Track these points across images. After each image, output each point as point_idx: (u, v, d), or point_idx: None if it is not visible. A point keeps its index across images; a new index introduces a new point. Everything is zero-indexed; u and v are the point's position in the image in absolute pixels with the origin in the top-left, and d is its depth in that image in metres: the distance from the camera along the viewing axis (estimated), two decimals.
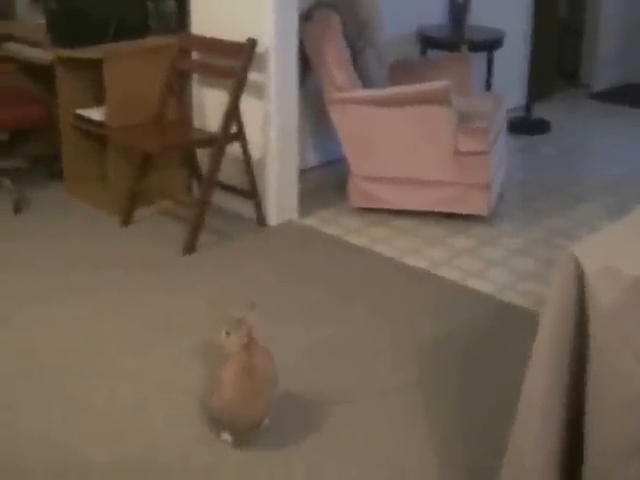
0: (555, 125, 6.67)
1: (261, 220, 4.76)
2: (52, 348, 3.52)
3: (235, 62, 4.45)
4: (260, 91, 4.60)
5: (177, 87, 4.85)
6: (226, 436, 2.89)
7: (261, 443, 2.88)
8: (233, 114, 4.46)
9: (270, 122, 4.63)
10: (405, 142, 4.69)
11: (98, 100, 5.03)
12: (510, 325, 3.74)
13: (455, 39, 6.20)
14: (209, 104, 4.93)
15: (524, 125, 6.65)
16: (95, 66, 4.75)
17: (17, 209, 4.97)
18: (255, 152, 4.70)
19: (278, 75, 4.56)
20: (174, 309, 3.84)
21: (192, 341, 3.56)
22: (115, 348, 3.52)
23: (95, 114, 4.92)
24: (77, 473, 2.72)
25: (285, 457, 2.82)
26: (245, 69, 4.42)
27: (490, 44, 6.27)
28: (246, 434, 2.89)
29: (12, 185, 5.08)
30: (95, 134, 5.01)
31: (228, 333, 2.86)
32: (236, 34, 4.49)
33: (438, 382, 3.27)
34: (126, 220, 4.78)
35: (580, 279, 2.03)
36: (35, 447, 2.85)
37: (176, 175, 5.14)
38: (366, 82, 5.05)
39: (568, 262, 2.06)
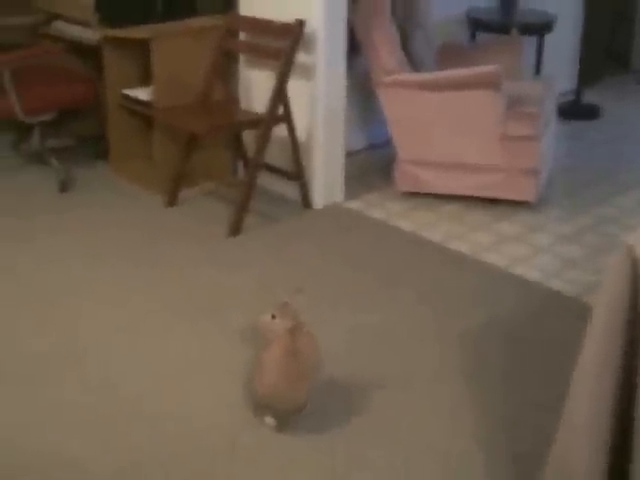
0: (605, 111, 6.58)
1: (306, 202, 4.75)
2: (95, 324, 3.53)
3: (283, 43, 4.42)
4: (307, 73, 4.58)
5: (224, 68, 4.84)
6: (269, 420, 2.88)
7: (304, 427, 2.88)
8: (280, 96, 4.43)
9: (317, 104, 4.60)
10: (453, 126, 4.65)
11: (145, 80, 5.04)
12: (556, 312, 3.69)
13: (505, 22, 6.13)
14: (256, 85, 4.91)
15: (573, 110, 6.57)
16: (142, 46, 4.76)
17: (63, 188, 5.00)
18: (302, 134, 4.68)
19: (326, 57, 4.52)
20: (219, 289, 3.84)
21: (236, 321, 3.56)
22: (159, 326, 3.53)
23: (142, 94, 4.93)
24: (123, 454, 2.73)
25: (328, 442, 2.81)
26: (293, 50, 4.39)
27: (541, 27, 6.19)
28: (289, 418, 2.88)
29: (59, 164, 5.10)
30: (141, 114, 5.02)
31: (274, 316, 2.85)
32: (284, 15, 4.46)
33: (483, 369, 3.24)
34: (171, 201, 4.79)
35: (635, 267, 2.00)
36: (81, 428, 2.86)
37: (222, 156, 5.14)
38: (415, 65, 5.00)
39: (623, 251, 2.02)
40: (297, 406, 2.86)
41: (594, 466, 2.12)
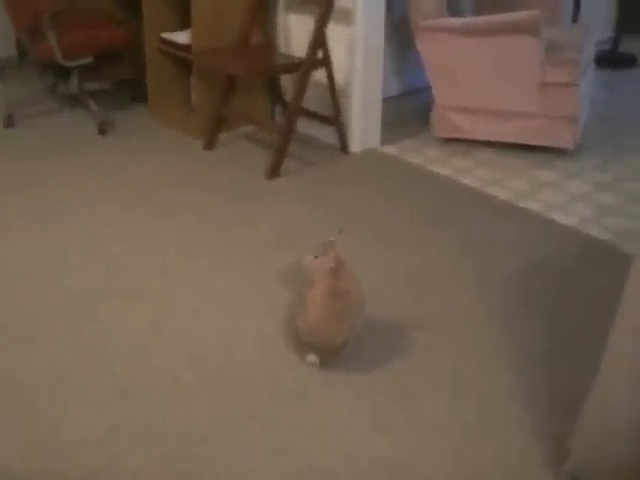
0: None
1: (344, 147, 4.76)
2: (137, 267, 3.58)
3: None
4: (347, 17, 4.57)
5: (263, 11, 4.84)
6: (312, 357, 2.92)
7: (346, 367, 2.91)
8: (319, 40, 4.43)
9: (356, 48, 4.60)
10: (491, 72, 4.64)
11: (183, 24, 5.04)
12: (593, 259, 3.70)
13: None
14: (295, 29, 4.91)
15: (611, 59, 6.53)
16: None
17: (102, 131, 5.04)
18: (340, 78, 4.69)
19: (365, 1, 4.51)
20: (258, 232, 3.87)
21: (277, 263, 3.59)
22: (200, 269, 3.56)
23: (180, 37, 4.94)
24: (169, 387, 2.78)
25: (370, 382, 2.84)
26: None
27: None
28: (331, 357, 2.92)
29: (97, 107, 5.13)
30: (179, 58, 5.04)
31: (316, 257, 2.88)
32: None
33: (522, 313, 3.26)
34: (209, 144, 4.81)
35: None
36: (128, 363, 2.91)
37: (260, 101, 5.15)
38: (453, 11, 4.99)
39: None
40: (339, 345, 2.89)
41: (634, 405, 2.15)
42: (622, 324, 2.09)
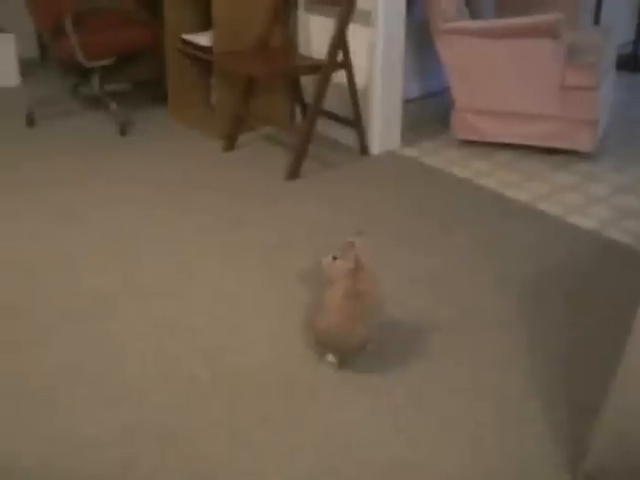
0: None
1: (364, 149, 4.77)
2: (153, 266, 3.60)
3: None
4: (367, 18, 4.58)
5: (284, 13, 4.85)
6: (331, 357, 2.93)
7: (364, 369, 2.91)
8: (340, 41, 4.44)
9: (376, 50, 4.61)
10: (512, 75, 4.64)
11: (204, 25, 5.06)
12: (613, 262, 3.70)
13: None
14: (315, 31, 4.92)
15: (631, 62, 6.51)
16: None
17: (123, 131, 5.06)
18: (360, 80, 4.70)
19: (386, 3, 4.51)
20: (277, 233, 3.89)
21: (295, 264, 3.60)
22: (218, 269, 3.58)
23: (201, 39, 4.96)
24: (184, 386, 2.79)
25: (388, 383, 2.84)
26: None
27: None
28: (350, 358, 2.92)
29: (118, 108, 5.16)
30: (200, 59, 5.06)
31: (335, 257, 2.89)
32: None
33: (541, 316, 3.25)
34: (229, 145, 4.83)
35: None
36: (143, 363, 2.93)
37: (280, 102, 5.17)
38: (474, 13, 4.98)
39: None
40: (357, 346, 2.90)
41: None
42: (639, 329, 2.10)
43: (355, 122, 4.70)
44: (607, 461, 2.29)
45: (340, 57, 4.49)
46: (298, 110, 5.13)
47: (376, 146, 4.80)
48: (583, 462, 2.36)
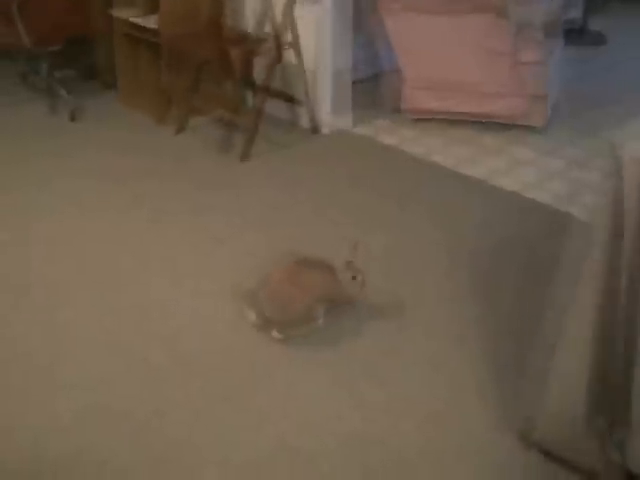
0: (610, 38, 6.56)
1: (315, 128, 4.76)
2: (109, 252, 3.57)
3: None
4: None
5: None
6: (275, 333, 2.93)
7: (320, 345, 2.91)
8: (288, 21, 4.42)
9: (324, 29, 4.59)
10: (461, 51, 4.63)
11: (152, 9, 5.02)
12: (566, 233, 3.71)
13: None
14: (262, 12, 4.88)
15: (580, 37, 6.55)
16: None
17: (72, 117, 5.02)
18: (309, 60, 4.67)
19: None
20: (231, 215, 3.86)
21: (250, 247, 3.58)
22: (174, 255, 3.55)
23: (149, 22, 4.91)
24: (141, 372, 2.77)
25: (343, 360, 2.83)
26: None
27: None
28: (293, 332, 2.93)
29: (67, 94, 5.11)
30: (148, 43, 5.00)
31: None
32: None
33: (493, 288, 3.27)
34: (180, 128, 4.80)
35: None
36: (94, 345, 2.91)
37: (230, 84, 5.13)
38: None
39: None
40: (298, 315, 2.93)
41: (591, 373, 2.16)
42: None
43: (305, 101, 4.68)
44: (554, 428, 2.31)
45: (289, 36, 4.46)
46: (249, 92, 5.09)
47: (328, 125, 4.79)
48: (534, 431, 2.38)
